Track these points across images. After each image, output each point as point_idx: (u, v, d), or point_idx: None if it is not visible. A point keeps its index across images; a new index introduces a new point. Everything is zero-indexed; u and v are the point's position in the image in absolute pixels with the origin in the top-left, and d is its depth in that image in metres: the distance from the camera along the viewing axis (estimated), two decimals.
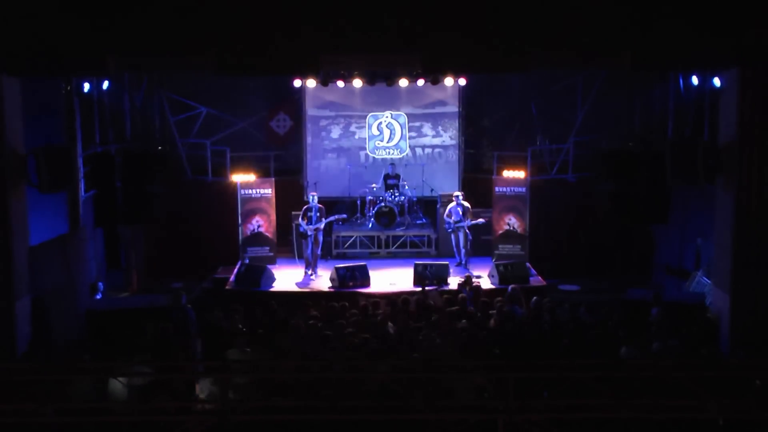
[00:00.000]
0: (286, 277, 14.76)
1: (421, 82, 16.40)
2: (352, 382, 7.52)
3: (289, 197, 16.72)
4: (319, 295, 13.59)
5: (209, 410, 7.49)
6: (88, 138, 13.40)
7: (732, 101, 10.91)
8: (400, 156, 17.58)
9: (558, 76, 16.42)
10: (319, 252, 15.05)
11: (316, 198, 14.97)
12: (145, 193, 12.17)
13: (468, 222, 15.17)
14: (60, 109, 12.70)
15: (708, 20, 10.36)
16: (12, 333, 10.48)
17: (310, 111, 17.57)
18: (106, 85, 13.63)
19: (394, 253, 16.34)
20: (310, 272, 14.87)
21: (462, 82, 16.93)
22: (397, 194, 16.56)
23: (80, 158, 12.79)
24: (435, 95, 17.47)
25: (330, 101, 17.52)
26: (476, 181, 17.15)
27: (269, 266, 14.72)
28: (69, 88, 12.66)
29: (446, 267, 14.21)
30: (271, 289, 14.12)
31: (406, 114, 17.59)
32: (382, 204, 16.33)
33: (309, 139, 17.63)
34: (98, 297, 13.25)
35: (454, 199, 15.40)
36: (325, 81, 15.71)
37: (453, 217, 15.27)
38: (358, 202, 16.97)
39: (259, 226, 15.90)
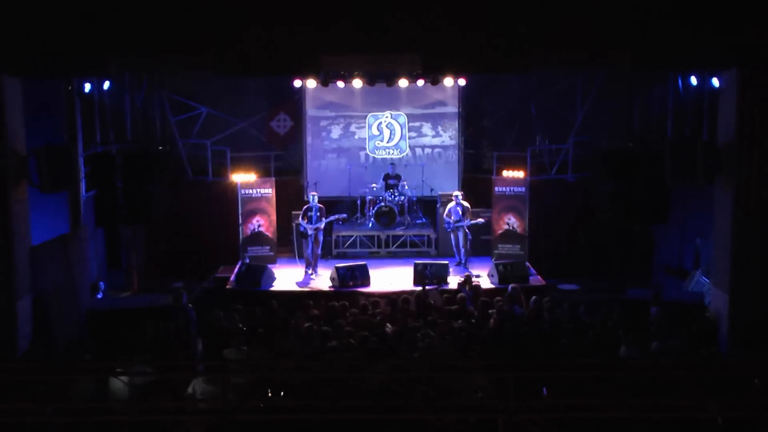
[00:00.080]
0: (287, 277, 14.78)
1: (421, 82, 16.43)
2: (352, 382, 7.54)
3: (290, 197, 16.77)
4: (319, 294, 13.61)
5: (209, 410, 7.50)
6: (89, 138, 13.41)
7: (731, 101, 10.93)
8: (400, 156, 17.61)
9: (558, 76, 16.43)
10: (319, 251, 15.08)
11: (316, 198, 14.99)
12: (145, 193, 12.17)
13: (467, 222, 15.19)
14: (61, 109, 12.71)
15: (707, 20, 10.36)
16: (13, 332, 10.50)
17: (311, 111, 17.60)
18: (106, 85, 13.63)
19: (394, 253, 16.37)
20: (310, 272, 14.89)
21: (462, 82, 16.96)
22: (397, 194, 16.58)
23: (81, 158, 12.81)
24: (435, 95, 17.49)
25: (330, 101, 17.54)
26: (476, 181, 17.18)
27: (270, 266, 14.75)
28: (70, 88, 12.67)
29: (446, 266, 14.23)
30: (272, 289, 14.15)
31: (406, 114, 17.61)
32: (382, 204, 16.36)
33: (309, 139, 17.65)
34: (99, 297, 13.28)
35: (453, 198, 15.42)
36: (325, 81, 15.73)
37: (453, 217, 15.30)
38: (358, 201, 17.00)
39: (259, 226, 15.93)
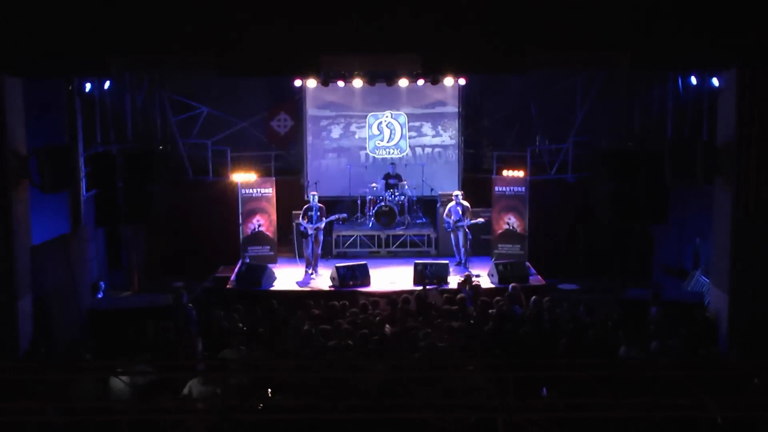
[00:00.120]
0: (287, 277, 14.80)
1: (421, 82, 16.43)
2: (351, 382, 7.54)
3: (290, 197, 16.78)
4: (319, 294, 13.63)
5: (209, 410, 7.51)
6: (90, 138, 13.42)
7: (730, 101, 10.94)
8: (400, 156, 17.62)
9: (558, 76, 16.45)
10: (319, 251, 15.09)
11: (316, 197, 15.00)
12: (146, 192, 12.19)
13: (467, 221, 15.20)
14: (62, 109, 12.72)
15: (707, 21, 10.38)
16: (14, 332, 10.51)
17: (311, 111, 17.61)
18: (107, 85, 13.65)
19: (394, 253, 16.38)
20: (310, 271, 14.90)
21: (462, 82, 16.97)
22: (397, 194, 16.60)
23: (82, 158, 12.81)
24: (435, 95, 17.50)
25: (330, 101, 17.55)
26: (476, 181, 17.18)
27: (270, 265, 14.76)
28: (71, 88, 12.68)
29: (446, 266, 14.25)
30: (272, 288, 14.16)
31: (406, 114, 17.62)
32: (383, 203, 16.37)
33: (309, 139, 17.66)
34: (100, 296, 13.30)
35: (453, 198, 15.43)
36: (325, 81, 15.74)
37: (453, 217, 15.31)
38: (359, 201, 17.01)
39: (259, 226, 15.94)
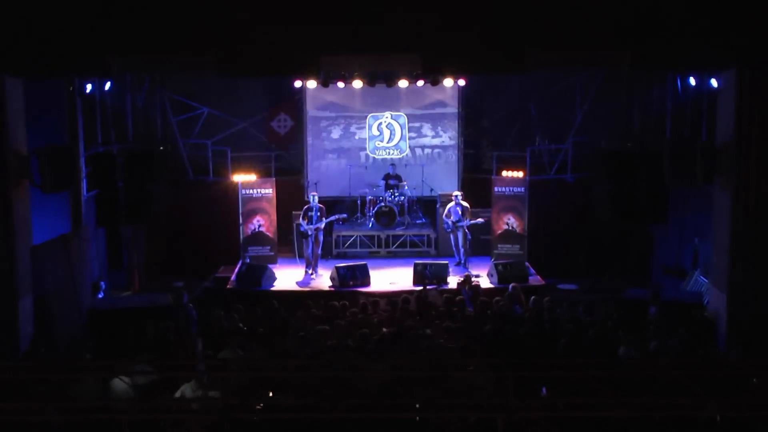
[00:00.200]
0: (287, 277, 14.82)
1: (420, 82, 16.45)
2: (351, 382, 7.56)
3: (290, 197, 16.80)
4: (319, 294, 13.64)
5: (209, 410, 7.52)
6: (91, 138, 13.44)
7: (730, 102, 10.95)
8: (400, 156, 17.63)
9: (558, 76, 16.46)
10: (319, 251, 15.11)
11: (316, 198, 15.02)
12: (146, 192, 12.19)
13: (467, 222, 15.22)
14: (62, 109, 12.75)
15: (706, 21, 10.39)
16: (14, 332, 10.52)
17: (311, 112, 17.63)
18: (108, 85, 13.67)
19: (394, 253, 16.40)
20: (310, 271, 14.93)
21: (461, 82, 16.99)
22: (397, 194, 16.61)
23: (82, 158, 12.84)
24: (435, 96, 17.52)
25: (330, 102, 17.57)
26: (475, 181, 17.20)
27: (270, 266, 14.78)
28: (71, 88, 12.71)
29: (446, 266, 14.26)
30: (272, 289, 14.18)
31: (406, 114, 17.64)
32: (382, 204, 16.39)
33: (309, 140, 17.68)
34: (100, 296, 13.32)
35: (453, 198, 15.45)
36: (325, 81, 15.75)
37: (452, 217, 15.33)
38: (359, 201, 17.03)
39: (260, 226, 15.96)
